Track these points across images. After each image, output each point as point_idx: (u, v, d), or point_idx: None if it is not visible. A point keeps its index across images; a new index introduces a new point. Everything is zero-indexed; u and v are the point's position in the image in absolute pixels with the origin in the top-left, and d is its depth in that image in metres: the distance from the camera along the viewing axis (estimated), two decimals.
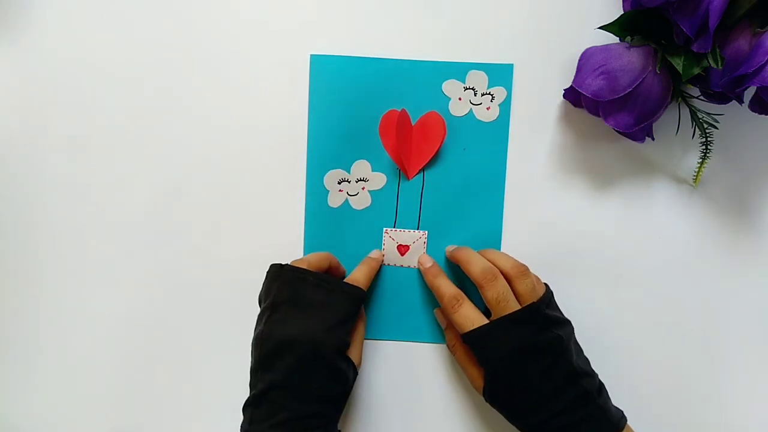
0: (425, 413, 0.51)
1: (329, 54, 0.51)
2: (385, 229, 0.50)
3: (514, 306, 0.44)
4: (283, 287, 0.45)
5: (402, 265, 0.49)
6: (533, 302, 0.44)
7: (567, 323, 0.46)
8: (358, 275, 0.48)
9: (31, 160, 0.52)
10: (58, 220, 0.52)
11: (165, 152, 0.52)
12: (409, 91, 0.51)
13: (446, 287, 0.47)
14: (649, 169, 0.51)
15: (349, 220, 0.51)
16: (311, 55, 0.51)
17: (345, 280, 0.47)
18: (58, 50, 0.52)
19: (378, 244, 0.51)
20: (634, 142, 0.49)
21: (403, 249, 0.51)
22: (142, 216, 0.52)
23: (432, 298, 0.51)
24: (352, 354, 0.46)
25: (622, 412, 0.45)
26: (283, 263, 0.47)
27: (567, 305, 0.47)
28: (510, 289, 0.45)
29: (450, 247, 0.51)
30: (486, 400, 0.46)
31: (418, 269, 0.51)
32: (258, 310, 0.46)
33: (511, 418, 0.45)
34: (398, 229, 0.51)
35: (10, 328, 0.52)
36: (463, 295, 0.47)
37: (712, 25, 0.41)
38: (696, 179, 0.50)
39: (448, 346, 0.50)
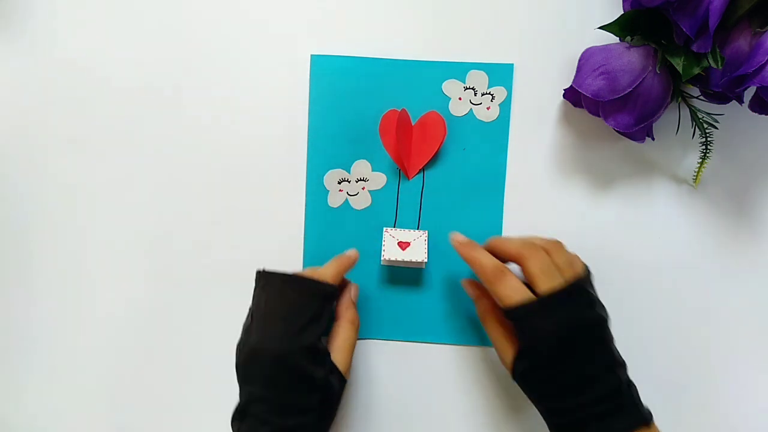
0: (428, 414, 0.51)
1: (329, 54, 0.51)
2: (385, 228, 0.50)
3: (559, 278, 0.41)
4: (258, 293, 0.45)
5: (403, 260, 0.49)
6: (578, 279, 0.42)
7: (604, 307, 0.43)
8: (325, 271, 0.46)
9: (31, 160, 0.52)
10: (58, 220, 0.52)
11: (165, 152, 0.52)
12: (409, 91, 0.51)
13: (487, 258, 0.44)
14: (649, 169, 0.51)
15: (349, 220, 0.51)
16: (311, 55, 0.51)
17: (312, 276, 0.45)
18: (58, 50, 0.52)
19: (378, 244, 0.51)
20: (634, 142, 0.49)
21: (404, 245, 0.50)
22: (141, 216, 0.52)
23: (434, 297, 0.51)
24: (335, 359, 0.44)
25: (648, 408, 0.43)
26: (263, 269, 0.46)
27: None
28: (552, 262, 0.42)
29: (459, 238, 0.47)
30: (513, 377, 0.43)
31: (419, 268, 0.51)
32: None
33: (541, 398, 0.43)
34: (398, 229, 0.51)
35: (9, 327, 0.52)
36: (506, 266, 0.44)
37: (712, 25, 0.41)
38: (696, 179, 0.50)
39: (478, 315, 0.47)
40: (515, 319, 0.42)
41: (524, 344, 0.42)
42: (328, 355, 0.44)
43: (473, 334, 0.51)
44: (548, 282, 0.41)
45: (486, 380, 0.51)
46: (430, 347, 0.52)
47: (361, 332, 0.51)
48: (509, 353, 0.43)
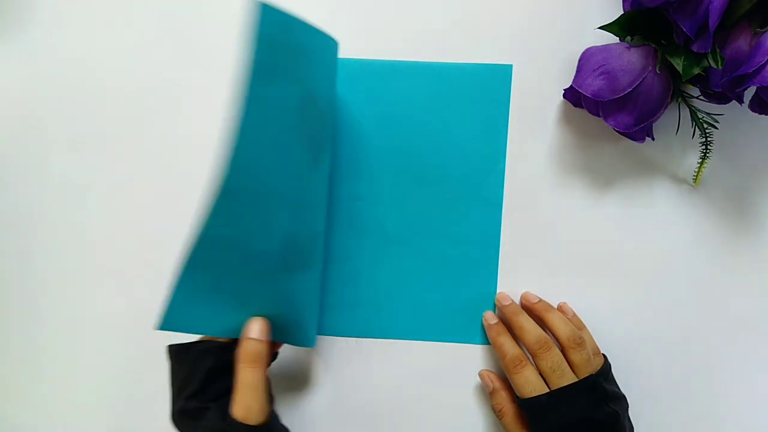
0: (427, 414, 0.51)
1: None
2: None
3: (569, 376, 0.43)
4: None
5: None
6: (591, 374, 0.43)
7: (623, 398, 0.45)
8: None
9: (31, 160, 0.52)
10: (58, 220, 0.52)
11: (165, 152, 0.52)
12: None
13: (510, 347, 0.46)
14: (649, 169, 0.51)
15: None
16: None
17: (197, 340, 0.44)
18: (58, 50, 0.52)
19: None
20: (634, 142, 0.49)
21: None
22: (142, 216, 0.52)
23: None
24: (235, 409, 0.40)
25: None
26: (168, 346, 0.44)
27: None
28: (564, 360, 0.44)
29: (502, 303, 0.49)
30: None
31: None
32: None
33: None
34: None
35: (10, 328, 0.52)
36: (527, 357, 0.46)
37: (712, 25, 0.41)
38: (696, 179, 0.50)
39: (494, 409, 0.48)
40: (527, 409, 0.44)
41: None
42: (208, 409, 0.41)
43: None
44: (557, 381, 0.43)
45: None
46: (429, 346, 0.51)
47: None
48: None
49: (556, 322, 0.46)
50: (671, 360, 0.51)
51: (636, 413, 0.46)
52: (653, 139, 0.49)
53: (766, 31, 0.41)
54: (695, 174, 0.50)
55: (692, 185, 0.51)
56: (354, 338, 0.51)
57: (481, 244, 0.51)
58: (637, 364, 0.51)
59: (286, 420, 0.46)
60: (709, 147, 0.48)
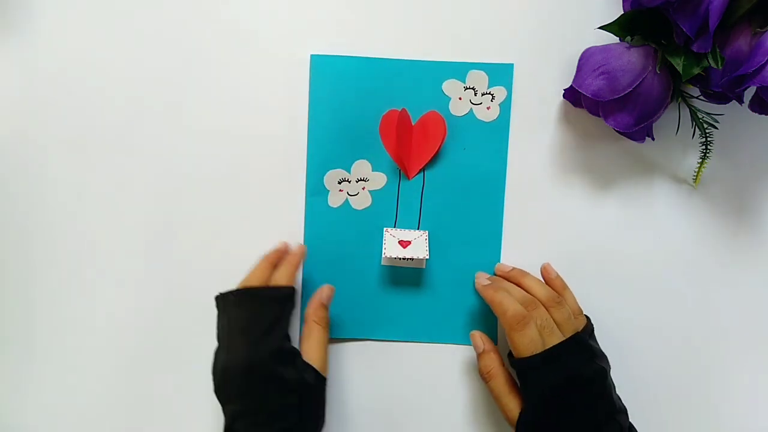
0: (428, 413, 0.51)
1: (329, 54, 0.51)
2: (385, 228, 0.50)
3: (558, 335, 0.43)
4: (219, 317, 0.46)
5: (405, 257, 0.49)
6: (578, 332, 0.44)
7: (605, 357, 0.45)
8: (278, 276, 0.47)
9: (31, 160, 0.52)
10: (58, 220, 0.52)
11: (165, 153, 0.52)
12: (410, 91, 0.51)
13: (510, 302, 0.44)
14: (649, 169, 0.51)
15: (350, 220, 0.51)
16: (311, 55, 0.51)
17: (264, 284, 0.46)
18: (58, 50, 0.52)
19: (378, 244, 0.51)
20: (634, 142, 0.49)
21: (405, 244, 0.50)
22: (141, 216, 0.52)
23: (434, 298, 0.51)
24: (308, 357, 0.45)
25: None
26: (219, 293, 0.47)
27: None
28: (551, 318, 0.44)
29: (480, 279, 0.49)
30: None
31: (419, 268, 0.51)
32: None
33: None
34: (399, 229, 0.51)
35: (9, 328, 0.52)
36: (529, 314, 0.44)
37: (712, 25, 0.41)
38: (696, 179, 0.50)
39: (482, 372, 0.47)
40: (521, 370, 0.43)
41: (527, 397, 0.43)
42: (299, 355, 0.45)
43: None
44: (548, 339, 0.43)
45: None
46: (429, 347, 0.52)
47: (360, 333, 0.51)
48: (515, 408, 0.44)
49: (533, 284, 0.47)
50: (671, 359, 0.51)
51: (635, 412, 0.45)
52: (653, 139, 0.49)
53: (766, 31, 0.41)
54: (695, 174, 0.50)
55: (692, 185, 0.51)
56: (359, 340, 0.52)
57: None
58: (636, 363, 0.51)
59: None
60: (709, 147, 0.48)
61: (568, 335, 0.43)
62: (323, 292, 0.49)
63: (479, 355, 0.47)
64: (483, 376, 0.47)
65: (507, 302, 0.44)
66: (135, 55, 0.52)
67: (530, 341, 0.42)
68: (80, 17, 0.52)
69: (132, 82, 0.52)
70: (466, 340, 0.51)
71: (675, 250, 0.51)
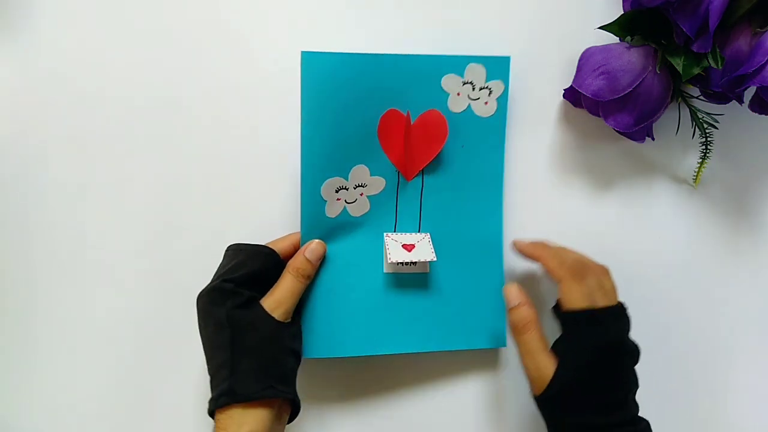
0: (440, 418, 0.51)
1: (321, 50, 0.47)
2: (386, 233, 0.49)
3: (609, 298, 0.43)
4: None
5: (411, 261, 0.48)
6: (622, 303, 0.44)
7: None
8: (275, 242, 0.48)
9: (31, 160, 0.52)
10: (58, 220, 0.52)
11: (162, 156, 0.51)
12: (408, 88, 0.48)
13: (568, 254, 0.46)
14: (649, 169, 0.51)
15: (348, 229, 0.49)
16: (302, 52, 0.46)
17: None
18: (58, 50, 0.52)
19: (379, 249, 0.49)
20: (634, 142, 0.49)
21: (408, 247, 0.49)
22: (141, 216, 0.52)
23: (438, 302, 0.50)
24: (267, 303, 0.44)
25: None
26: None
27: None
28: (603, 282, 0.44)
29: (519, 243, 0.49)
30: (543, 395, 0.42)
31: (423, 272, 0.50)
32: None
33: (574, 415, 0.42)
34: (400, 233, 0.50)
35: (8, 328, 0.52)
36: (590, 269, 0.45)
37: (712, 25, 0.42)
38: (696, 179, 0.50)
39: (516, 324, 0.45)
40: (568, 322, 0.43)
41: (569, 353, 0.43)
42: (240, 295, 0.44)
43: (481, 337, 0.50)
44: (600, 300, 0.43)
45: (480, 378, 0.51)
46: (433, 355, 0.51)
47: (368, 349, 0.49)
48: (549, 365, 0.43)
49: (579, 256, 0.47)
50: (671, 359, 0.51)
51: None
52: (653, 139, 0.49)
53: (766, 31, 0.42)
54: (695, 174, 0.50)
55: (692, 185, 0.51)
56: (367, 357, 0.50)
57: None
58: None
59: (293, 424, 0.45)
60: (709, 147, 0.48)
61: (615, 303, 0.44)
62: (310, 244, 0.47)
63: (513, 309, 0.45)
64: (517, 329, 0.45)
65: (564, 253, 0.45)
66: (135, 55, 0.52)
67: (587, 294, 0.43)
68: (80, 17, 0.52)
69: (132, 82, 0.52)
70: (476, 344, 0.50)
71: (675, 250, 0.51)
